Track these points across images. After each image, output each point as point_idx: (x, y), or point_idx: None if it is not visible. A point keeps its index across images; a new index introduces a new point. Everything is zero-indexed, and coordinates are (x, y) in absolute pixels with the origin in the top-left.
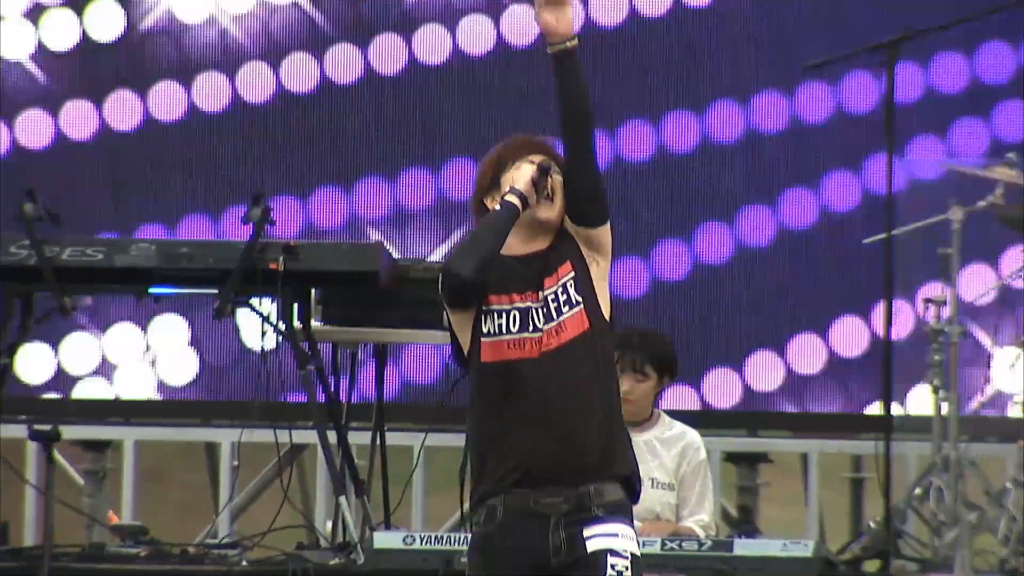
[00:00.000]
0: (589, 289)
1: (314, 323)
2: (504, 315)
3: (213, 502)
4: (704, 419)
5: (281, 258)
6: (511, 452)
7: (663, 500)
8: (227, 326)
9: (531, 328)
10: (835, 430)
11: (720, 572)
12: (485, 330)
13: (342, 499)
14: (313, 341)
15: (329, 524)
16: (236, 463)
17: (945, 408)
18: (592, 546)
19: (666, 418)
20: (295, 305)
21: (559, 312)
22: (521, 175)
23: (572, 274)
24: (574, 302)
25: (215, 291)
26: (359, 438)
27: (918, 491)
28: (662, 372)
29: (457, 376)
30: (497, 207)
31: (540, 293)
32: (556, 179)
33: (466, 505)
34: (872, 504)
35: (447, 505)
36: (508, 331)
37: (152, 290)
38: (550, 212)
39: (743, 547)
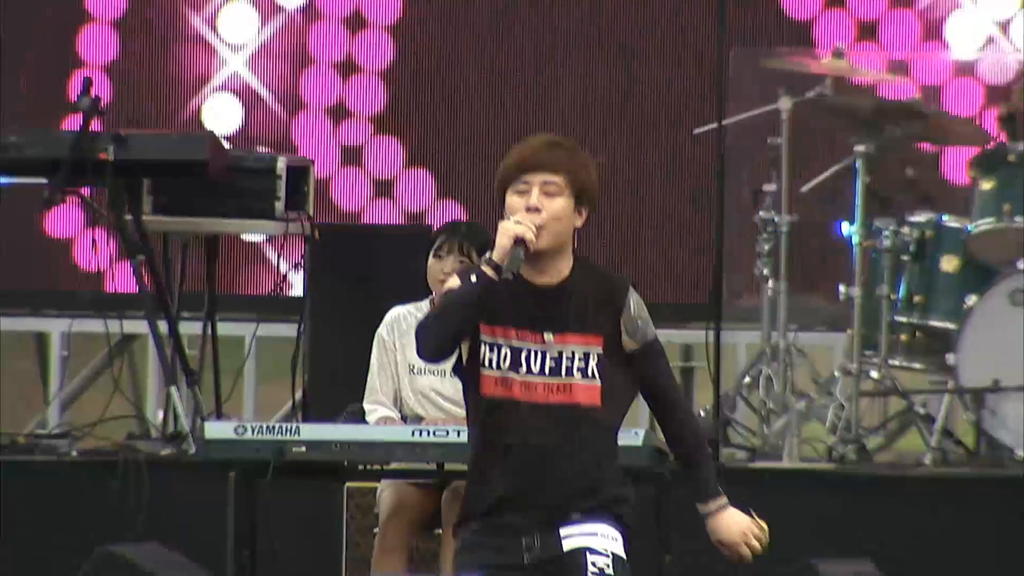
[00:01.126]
0: (616, 370)
1: (144, 213)
2: (496, 350)
3: (43, 393)
4: None
5: (110, 148)
6: (491, 482)
7: None
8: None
9: (523, 370)
10: (665, 320)
11: None
12: (481, 359)
13: (173, 389)
14: (143, 231)
15: (160, 414)
16: (66, 353)
17: (775, 297)
18: (569, 545)
19: None
20: (125, 195)
21: (569, 374)
22: (501, 239)
23: (600, 351)
24: (591, 375)
25: (45, 180)
26: (190, 328)
27: (747, 380)
28: None
29: (288, 268)
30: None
31: (546, 336)
32: (554, 205)
33: (298, 393)
34: (702, 393)
35: (279, 395)
36: (498, 367)
37: None
38: (543, 241)
39: None
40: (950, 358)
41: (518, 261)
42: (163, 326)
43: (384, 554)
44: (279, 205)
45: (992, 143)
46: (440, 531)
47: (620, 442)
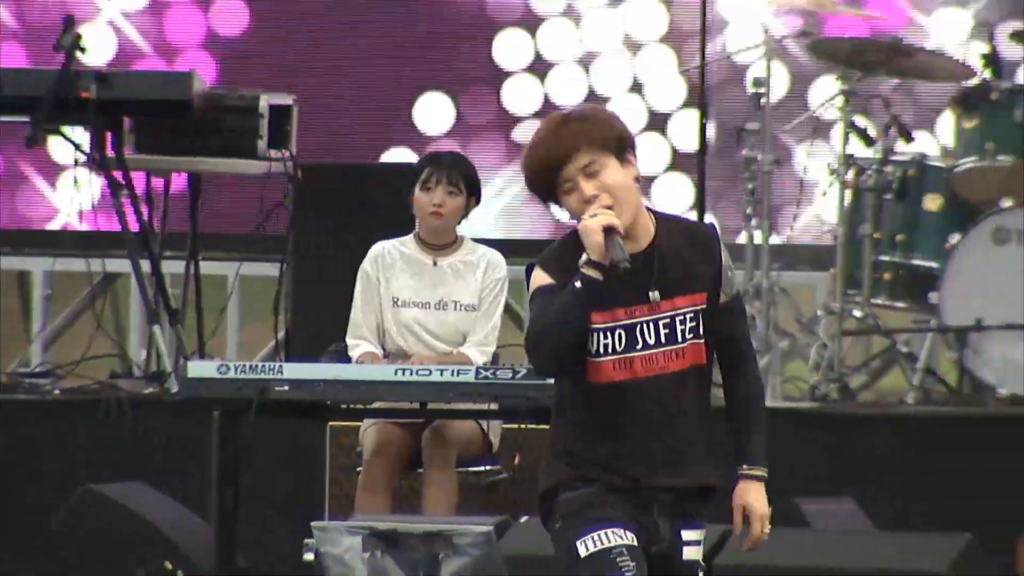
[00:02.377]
0: (710, 322)
1: (127, 152)
2: (608, 334)
3: (25, 331)
4: (523, 247)
5: (93, 86)
6: (613, 463)
7: (469, 322)
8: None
9: (640, 346)
10: None
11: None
12: (591, 349)
13: (156, 328)
14: (126, 170)
15: (143, 353)
16: (49, 292)
17: (757, 236)
18: (687, 554)
19: (470, 242)
20: (108, 134)
21: (683, 337)
22: (590, 238)
23: (704, 306)
24: (700, 333)
25: (27, 119)
26: (173, 267)
27: None
28: (470, 193)
29: (271, 205)
30: (577, 284)
31: (652, 305)
32: (605, 179)
33: (281, 333)
34: None
35: (261, 334)
36: (614, 351)
37: None
38: (623, 218)
39: None
40: (933, 297)
41: (621, 248)
42: (146, 265)
43: (367, 492)
44: (262, 144)
45: (975, 81)
46: (422, 470)
47: None
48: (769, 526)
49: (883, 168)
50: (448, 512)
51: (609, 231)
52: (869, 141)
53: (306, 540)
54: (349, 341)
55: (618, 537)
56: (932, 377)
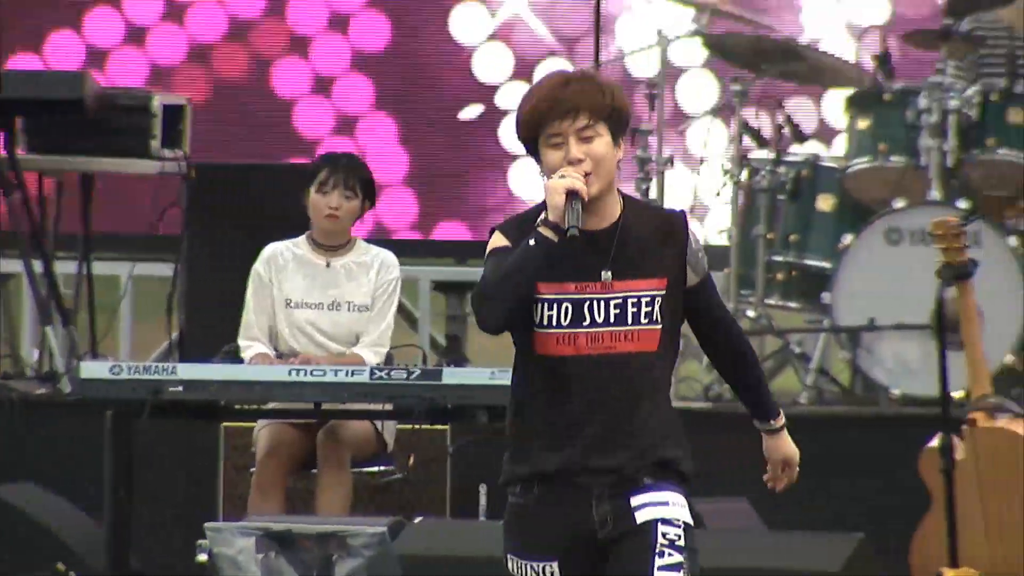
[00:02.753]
0: (673, 312)
1: (19, 152)
2: (555, 306)
3: None
4: (415, 248)
5: None
6: (556, 443)
7: (362, 322)
8: None
9: (587, 322)
10: None
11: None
12: (536, 319)
13: (48, 329)
14: (19, 170)
15: (35, 354)
16: None
17: None
18: (641, 516)
19: (362, 243)
20: (0, 134)
21: (635, 319)
22: (552, 198)
23: (664, 292)
24: (655, 320)
25: None
26: (66, 267)
27: None
28: (366, 196)
29: (165, 206)
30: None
31: (604, 284)
32: (594, 148)
33: (174, 334)
34: None
35: (155, 334)
36: (558, 324)
37: None
38: (594, 188)
39: (452, 375)
40: (826, 297)
41: (578, 215)
42: (38, 265)
43: (261, 493)
44: (155, 143)
45: (867, 82)
46: (316, 471)
47: (497, 381)
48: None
49: (776, 169)
50: (342, 513)
51: (572, 195)
52: (762, 142)
53: (199, 541)
54: (241, 343)
55: (535, 572)
56: (825, 377)
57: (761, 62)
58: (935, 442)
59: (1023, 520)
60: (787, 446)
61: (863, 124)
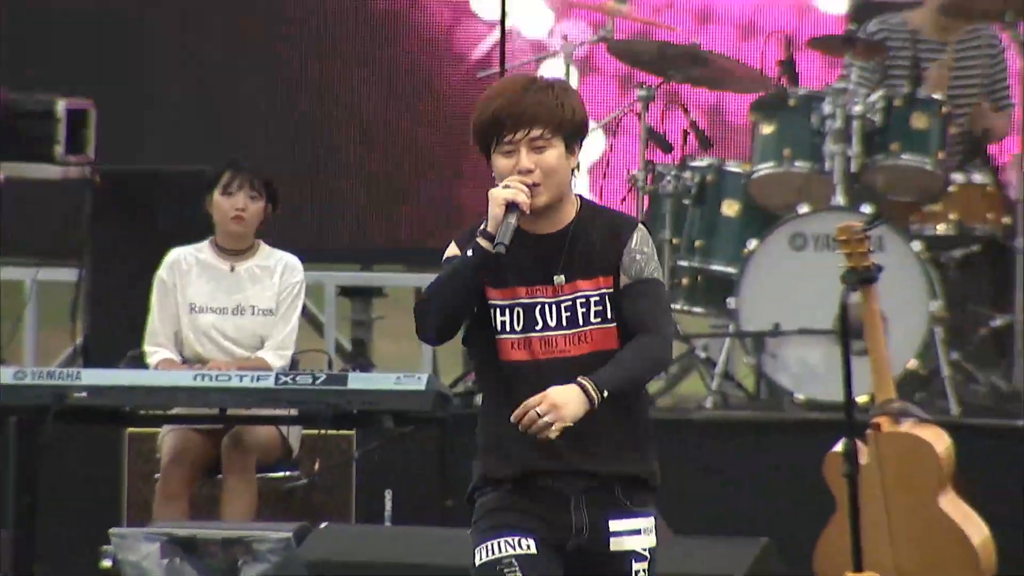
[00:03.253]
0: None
1: None
2: (507, 311)
3: None
4: (319, 254)
5: None
6: (515, 453)
7: (266, 326)
8: None
9: (539, 326)
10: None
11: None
12: (497, 325)
13: None
14: None
15: None
16: None
17: None
18: (616, 545)
19: (266, 247)
20: None
21: (586, 320)
22: (492, 209)
23: (611, 290)
24: (609, 318)
25: None
26: None
27: None
28: (269, 197)
29: (69, 211)
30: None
31: (556, 287)
32: (545, 159)
33: (78, 339)
34: None
35: (59, 340)
36: (511, 330)
37: None
38: (538, 200)
39: (357, 381)
40: (731, 302)
41: (511, 230)
42: None
43: (166, 499)
44: (59, 148)
45: (772, 87)
46: (221, 476)
47: (403, 386)
48: (553, 417)
49: (682, 174)
50: (247, 518)
51: (511, 207)
52: (667, 147)
53: (104, 547)
54: (147, 348)
55: (510, 547)
56: (730, 382)
57: (666, 67)
58: (839, 447)
59: (926, 525)
60: (558, 389)
61: (767, 129)
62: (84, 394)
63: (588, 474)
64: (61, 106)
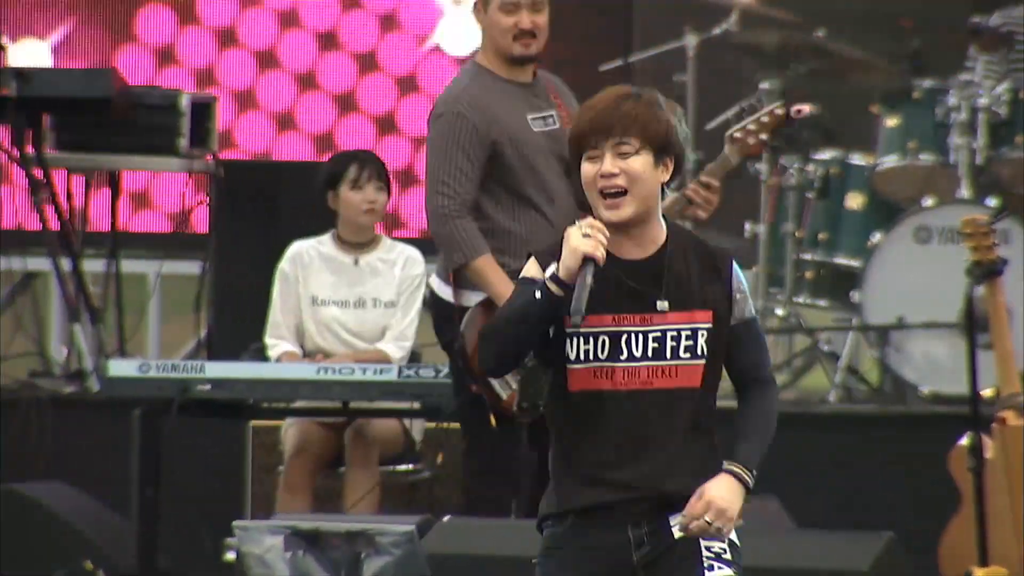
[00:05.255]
0: (720, 347)
1: (47, 150)
2: (591, 340)
3: None
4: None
5: (13, 84)
6: (587, 479)
7: (388, 318)
8: None
9: (624, 356)
10: None
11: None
12: (568, 354)
13: (76, 327)
14: (47, 168)
15: (63, 352)
16: None
17: None
18: (680, 532)
19: (388, 240)
20: (28, 131)
21: (675, 354)
22: (568, 258)
23: (710, 326)
24: (699, 354)
25: None
26: (94, 265)
27: None
28: (389, 190)
29: (192, 204)
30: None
31: (647, 315)
32: (631, 164)
33: (202, 332)
34: None
35: (182, 332)
36: (596, 358)
37: None
38: (623, 211)
39: None
40: (855, 295)
41: (587, 292)
42: (66, 263)
43: (288, 492)
44: (183, 142)
45: (897, 80)
46: (344, 469)
47: None
48: (722, 523)
49: (805, 167)
50: (370, 511)
51: (588, 261)
52: (791, 140)
53: (227, 540)
54: (268, 341)
55: None
56: (854, 376)
57: (789, 59)
58: (964, 441)
59: None
60: (715, 483)
61: (892, 122)
62: (208, 387)
63: (652, 498)
64: (185, 99)
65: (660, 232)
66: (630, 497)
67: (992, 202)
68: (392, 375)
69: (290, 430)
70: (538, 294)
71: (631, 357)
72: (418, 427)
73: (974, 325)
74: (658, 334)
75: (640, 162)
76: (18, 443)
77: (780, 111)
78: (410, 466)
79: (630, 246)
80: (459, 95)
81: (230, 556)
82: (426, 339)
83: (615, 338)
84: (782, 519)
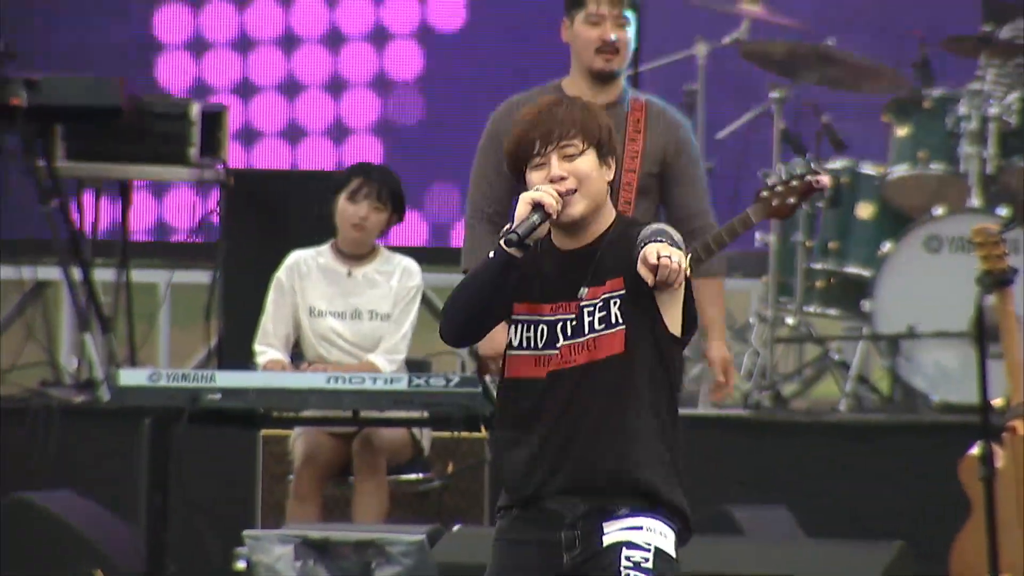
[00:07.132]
0: (642, 309)
1: (58, 159)
2: (532, 327)
3: None
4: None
5: (23, 93)
6: (525, 468)
7: (384, 330)
8: None
9: (560, 343)
10: None
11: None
12: (512, 340)
13: (87, 336)
14: (57, 177)
15: (74, 361)
16: None
17: None
18: (609, 540)
19: (386, 251)
20: (38, 141)
21: (591, 329)
22: (519, 207)
23: (622, 291)
24: (614, 322)
25: None
26: (104, 275)
27: None
28: (394, 209)
29: (204, 214)
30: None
31: (575, 302)
32: (578, 166)
33: (213, 341)
34: None
35: (193, 342)
36: (534, 346)
37: None
38: (574, 209)
39: (490, 383)
40: (865, 304)
41: (530, 227)
42: (77, 273)
43: (298, 501)
44: (193, 151)
45: (907, 89)
46: (353, 478)
47: None
48: (672, 255)
49: None
50: (379, 520)
51: (538, 207)
52: (802, 149)
53: (237, 549)
54: (256, 348)
55: None
56: (865, 385)
57: (798, 68)
58: (975, 450)
59: None
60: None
61: (903, 131)
62: (218, 396)
63: (590, 493)
64: (195, 109)
65: (604, 224)
66: (568, 507)
67: (1002, 211)
68: (402, 385)
69: (298, 440)
70: (491, 253)
71: (562, 342)
72: (427, 435)
73: (984, 334)
74: (575, 315)
75: (586, 161)
76: (28, 452)
77: (810, 178)
78: (420, 475)
79: (571, 239)
80: (509, 108)
81: (240, 565)
82: (436, 348)
83: (552, 326)
84: (791, 528)
